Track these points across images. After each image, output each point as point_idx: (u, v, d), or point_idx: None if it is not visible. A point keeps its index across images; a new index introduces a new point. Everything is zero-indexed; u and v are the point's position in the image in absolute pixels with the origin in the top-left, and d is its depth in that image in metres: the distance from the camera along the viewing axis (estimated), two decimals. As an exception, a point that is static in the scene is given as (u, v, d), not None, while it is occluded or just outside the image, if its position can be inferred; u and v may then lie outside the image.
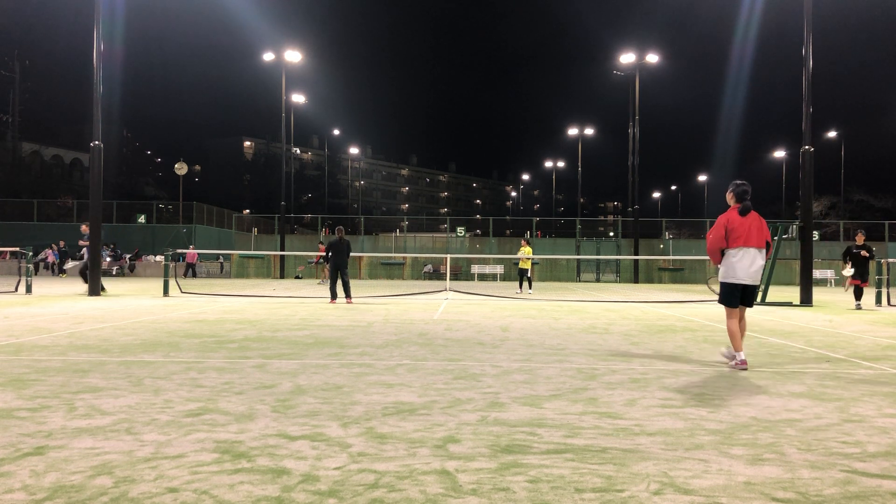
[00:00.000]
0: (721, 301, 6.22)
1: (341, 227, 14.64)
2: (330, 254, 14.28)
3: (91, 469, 2.90)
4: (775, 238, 16.30)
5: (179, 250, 29.43)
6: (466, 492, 2.67)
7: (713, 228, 6.20)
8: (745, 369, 5.81)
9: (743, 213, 6.10)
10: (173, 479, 2.78)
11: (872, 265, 15.99)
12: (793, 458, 3.21)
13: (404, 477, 2.84)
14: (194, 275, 29.66)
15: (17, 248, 17.75)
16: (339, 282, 14.45)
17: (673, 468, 3.01)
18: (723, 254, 6.19)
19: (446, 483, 2.77)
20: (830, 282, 35.19)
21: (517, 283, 22.04)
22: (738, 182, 6.23)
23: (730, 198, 6.27)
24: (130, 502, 2.52)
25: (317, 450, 3.23)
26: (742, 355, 5.95)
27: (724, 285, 6.18)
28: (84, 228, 17.77)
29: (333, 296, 14.39)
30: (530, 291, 20.39)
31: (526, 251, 20.56)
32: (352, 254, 15.11)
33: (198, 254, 31.13)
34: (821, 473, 2.97)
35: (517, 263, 21.34)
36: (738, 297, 6.12)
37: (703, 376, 5.53)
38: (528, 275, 20.65)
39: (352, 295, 14.68)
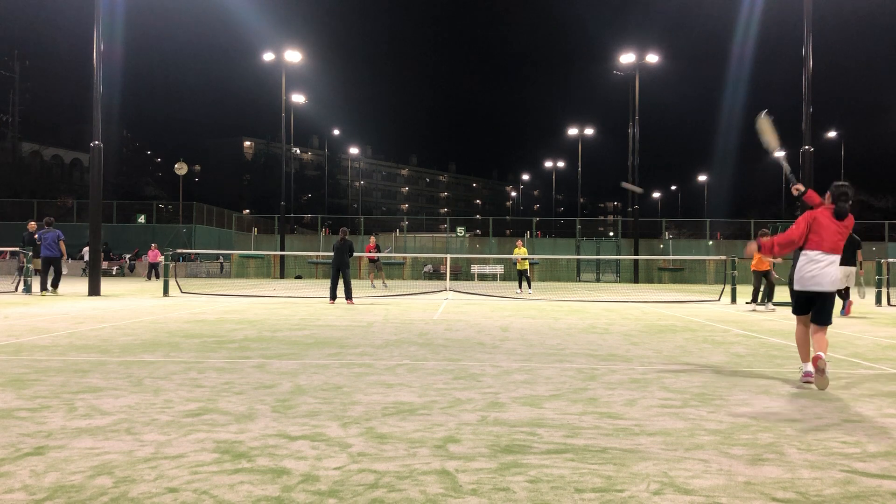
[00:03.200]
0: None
1: (345, 228, 14.69)
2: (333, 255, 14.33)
3: (91, 469, 2.90)
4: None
5: (175, 250, 29.35)
6: (466, 492, 2.67)
7: (797, 222, 5.46)
8: (810, 382, 5.16)
9: (839, 216, 5.35)
10: (173, 479, 2.78)
11: None
12: (793, 458, 3.21)
13: (404, 477, 2.84)
14: (157, 276, 29.13)
15: (18, 248, 17.76)
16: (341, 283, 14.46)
17: (673, 468, 3.01)
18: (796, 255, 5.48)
19: (446, 483, 2.77)
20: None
21: (517, 284, 22.07)
22: (840, 183, 5.45)
23: (828, 198, 5.49)
24: (130, 502, 2.52)
25: (317, 450, 3.23)
26: (809, 367, 5.26)
27: (790, 292, 5.59)
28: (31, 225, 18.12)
29: (333, 296, 14.37)
30: (530, 291, 20.39)
31: (521, 252, 20.53)
32: (354, 254, 15.18)
33: (160, 253, 30.52)
34: (821, 473, 2.97)
35: (515, 264, 21.42)
36: (801, 305, 5.46)
37: (703, 376, 5.53)
38: (528, 275, 20.70)
39: (353, 296, 14.68)
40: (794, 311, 5.54)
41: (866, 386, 5.18)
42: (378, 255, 23.65)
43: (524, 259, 20.47)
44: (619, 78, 39.32)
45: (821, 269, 5.28)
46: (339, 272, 14.26)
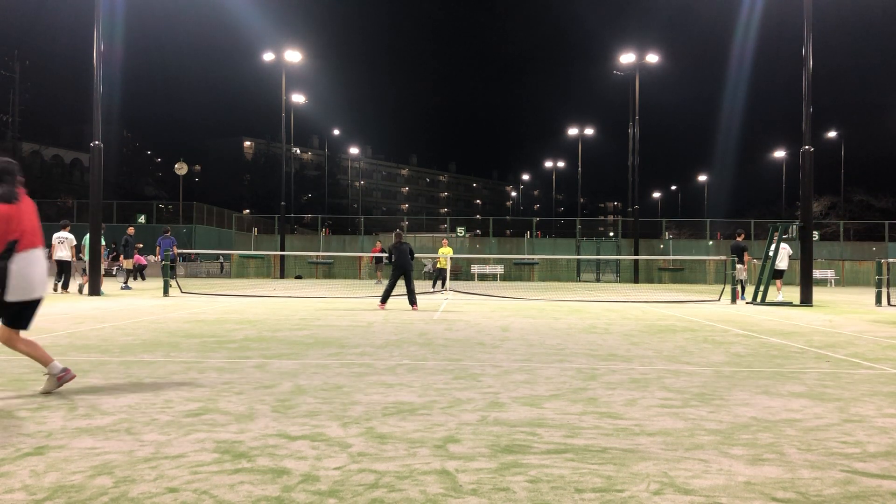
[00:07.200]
0: (19, 324, 4.38)
1: (399, 230, 13.78)
2: (393, 257, 12.68)
3: (91, 469, 2.90)
4: (776, 235, 15.81)
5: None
6: (466, 492, 2.67)
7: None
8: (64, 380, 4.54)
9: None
10: (173, 479, 2.78)
11: None
12: (793, 458, 3.21)
13: (404, 477, 2.84)
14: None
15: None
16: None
17: (673, 468, 3.01)
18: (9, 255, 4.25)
19: (446, 483, 2.77)
20: (830, 282, 35.18)
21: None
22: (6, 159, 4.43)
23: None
24: (130, 502, 2.52)
25: (317, 450, 3.23)
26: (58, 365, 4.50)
27: (19, 303, 4.29)
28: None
29: (384, 300, 12.84)
30: (443, 290, 19.55)
31: (447, 251, 20.12)
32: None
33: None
34: (821, 473, 2.97)
35: (436, 263, 20.64)
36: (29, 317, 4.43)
37: (703, 376, 5.53)
38: (445, 274, 19.94)
39: (386, 301, 12.97)
40: (24, 327, 4.42)
41: (866, 386, 5.18)
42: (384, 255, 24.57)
43: (445, 258, 19.97)
44: (619, 78, 39.32)
45: (42, 268, 4.44)
46: (403, 275, 12.64)
